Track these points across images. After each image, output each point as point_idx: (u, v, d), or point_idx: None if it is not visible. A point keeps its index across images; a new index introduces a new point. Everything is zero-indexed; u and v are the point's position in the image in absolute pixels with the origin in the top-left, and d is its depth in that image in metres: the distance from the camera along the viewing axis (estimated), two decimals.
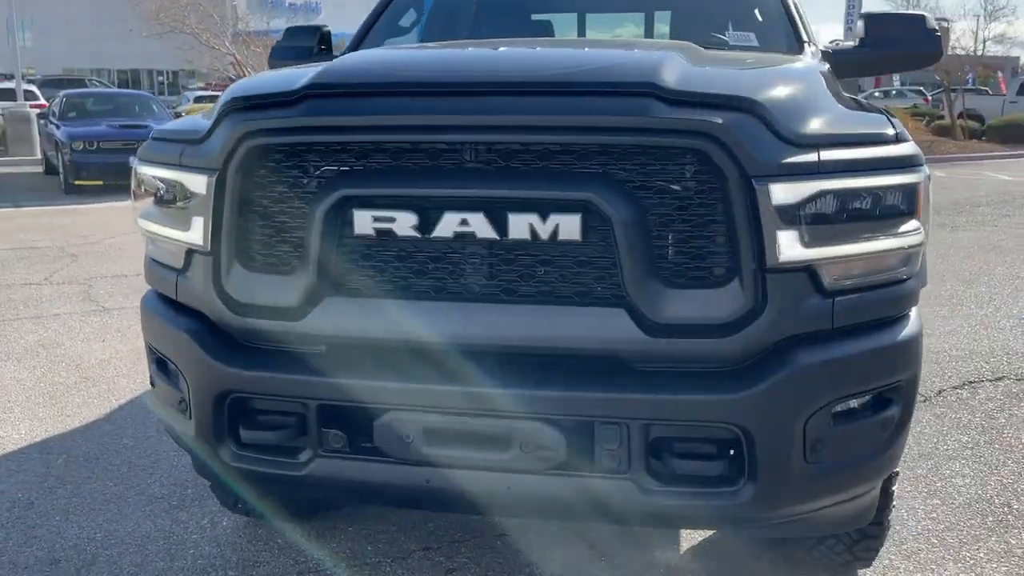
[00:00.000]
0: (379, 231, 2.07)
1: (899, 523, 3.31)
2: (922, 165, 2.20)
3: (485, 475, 2.13)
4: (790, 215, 2.00)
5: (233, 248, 2.20)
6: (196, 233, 2.25)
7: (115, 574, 3.01)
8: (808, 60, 2.98)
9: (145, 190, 2.46)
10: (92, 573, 3.01)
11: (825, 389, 2.09)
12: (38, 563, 3.08)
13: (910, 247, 2.19)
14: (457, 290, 2.13)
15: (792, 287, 2.04)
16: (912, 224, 2.18)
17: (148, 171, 2.43)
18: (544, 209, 2.00)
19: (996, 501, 3.50)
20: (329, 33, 4.03)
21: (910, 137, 2.23)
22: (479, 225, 2.02)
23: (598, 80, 2.08)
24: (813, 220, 2.02)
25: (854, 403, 2.19)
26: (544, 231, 2.00)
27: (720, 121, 1.95)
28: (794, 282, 2.04)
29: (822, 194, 2.02)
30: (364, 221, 2.07)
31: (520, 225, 2.01)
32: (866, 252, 2.12)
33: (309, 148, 2.13)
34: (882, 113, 2.37)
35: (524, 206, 2.01)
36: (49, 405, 4.60)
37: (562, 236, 2.01)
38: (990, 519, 3.36)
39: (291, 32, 4.14)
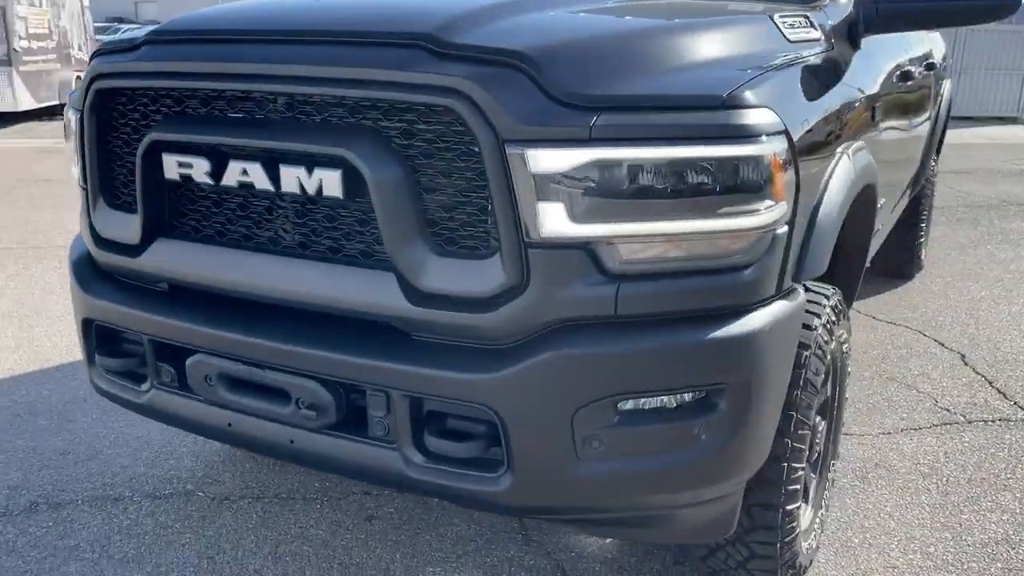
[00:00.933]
0: (183, 176, 2.12)
1: (879, 552, 2.90)
2: (768, 135, 1.88)
3: (272, 426, 2.15)
4: (554, 186, 1.79)
5: (97, 185, 2.36)
6: (76, 169, 2.43)
7: (102, 471, 3.37)
8: (766, 11, 2.57)
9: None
10: (86, 467, 3.40)
11: (600, 381, 1.88)
12: (53, 452, 3.52)
13: (741, 230, 1.90)
14: (252, 240, 2.15)
15: (561, 266, 1.85)
16: (748, 204, 1.88)
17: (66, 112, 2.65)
18: (309, 163, 1.95)
19: (1023, 547, 2.94)
20: None
21: (758, 103, 1.90)
22: (257, 176, 2.01)
23: (373, 30, 1.96)
24: (586, 193, 1.80)
25: (656, 401, 1.95)
26: (311, 186, 1.96)
27: (469, 78, 1.79)
28: (564, 260, 1.84)
29: (599, 164, 1.79)
30: (171, 166, 2.13)
31: (291, 179, 1.98)
32: (665, 233, 1.86)
33: (142, 93, 2.22)
34: (756, 76, 2.01)
35: (293, 159, 1.97)
36: None
37: (327, 192, 1.95)
38: (997, 566, 2.84)
39: None
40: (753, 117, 1.87)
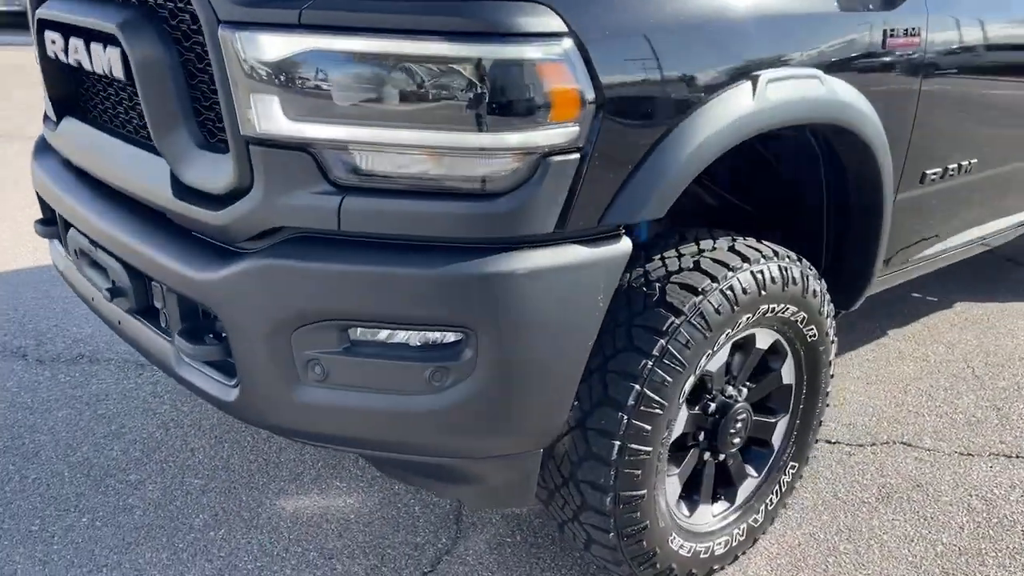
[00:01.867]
0: (54, 53, 2.20)
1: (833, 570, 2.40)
2: (539, 38, 1.58)
3: (108, 304, 2.21)
4: (268, 77, 1.63)
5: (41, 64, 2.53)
6: (35, 48, 2.62)
7: None
8: None
9: None
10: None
11: (318, 301, 1.71)
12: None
13: (488, 150, 1.61)
14: (106, 123, 2.20)
15: (283, 168, 1.68)
16: (499, 119, 1.59)
17: None
18: (103, 41, 1.94)
19: None
20: None
21: None
22: (82, 53, 2.04)
23: None
24: (301, 87, 1.62)
25: (392, 336, 1.74)
26: (104, 64, 1.95)
27: None
28: (286, 163, 1.68)
29: (311, 54, 1.60)
30: (47, 42, 2.22)
31: (98, 56, 1.98)
32: (395, 143, 1.62)
33: None
34: None
35: (95, 36, 1.97)
36: None
37: (115, 73, 1.92)
38: None
39: None
40: (510, 14, 1.56)
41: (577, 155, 1.66)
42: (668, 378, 1.93)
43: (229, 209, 1.75)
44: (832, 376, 2.45)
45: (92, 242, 2.18)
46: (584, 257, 1.73)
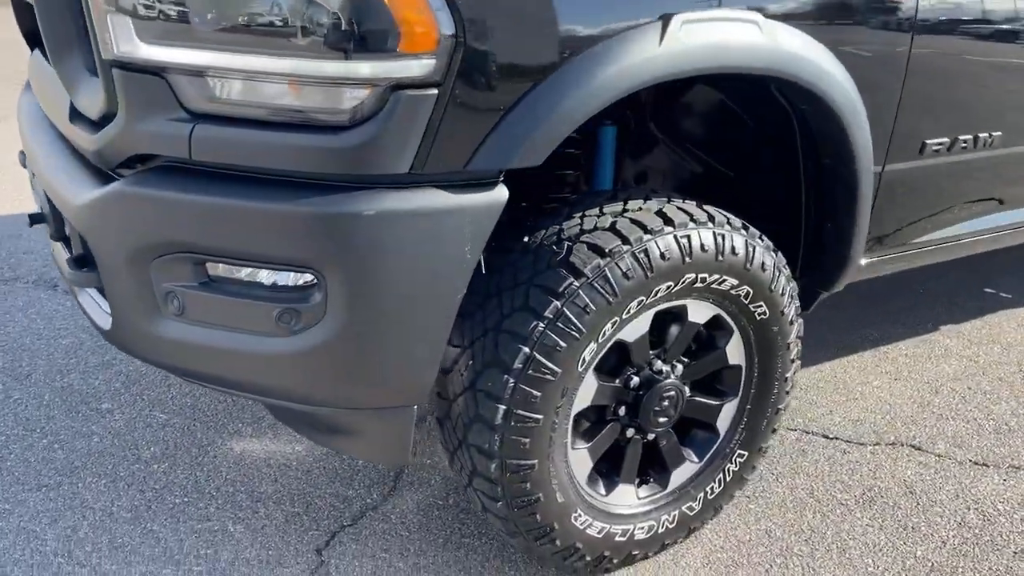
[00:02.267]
0: None
1: None
2: None
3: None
4: None
5: None
6: None
7: None
8: None
9: None
10: None
11: (169, 231, 1.67)
12: None
13: (328, 79, 1.52)
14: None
15: (141, 93, 1.64)
16: (351, 49, 1.50)
17: None
18: None
19: None
20: None
21: None
22: None
23: None
24: (149, 9, 1.57)
25: (253, 274, 1.69)
26: None
27: None
28: (144, 87, 1.63)
29: None
30: None
31: None
32: (238, 69, 1.55)
33: None
34: None
35: None
36: None
37: None
38: None
39: None
40: None
41: (434, 91, 1.54)
42: (561, 343, 1.80)
43: (100, 134, 1.72)
44: (795, 361, 2.23)
45: (32, 172, 2.22)
46: (447, 203, 1.61)
